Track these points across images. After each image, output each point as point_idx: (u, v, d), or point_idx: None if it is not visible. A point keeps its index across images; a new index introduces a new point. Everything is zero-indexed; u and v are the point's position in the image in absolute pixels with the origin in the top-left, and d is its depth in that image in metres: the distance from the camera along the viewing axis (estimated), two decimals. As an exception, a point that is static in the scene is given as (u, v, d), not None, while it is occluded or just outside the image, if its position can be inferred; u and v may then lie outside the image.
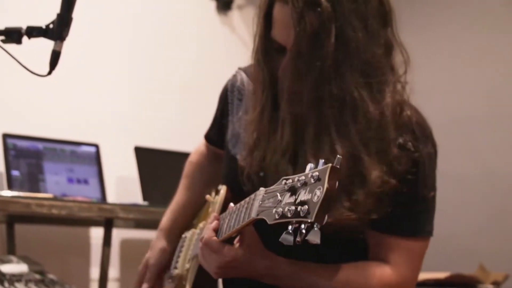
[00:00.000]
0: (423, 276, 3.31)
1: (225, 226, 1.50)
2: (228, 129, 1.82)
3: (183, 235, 1.94)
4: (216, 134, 1.92)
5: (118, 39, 3.96)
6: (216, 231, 1.53)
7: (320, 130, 1.53)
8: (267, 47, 1.61)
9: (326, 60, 1.50)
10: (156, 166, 3.66)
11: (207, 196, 1.88)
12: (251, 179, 1.63)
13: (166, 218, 2.00)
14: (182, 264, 1.84)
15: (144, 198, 3.55)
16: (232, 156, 1.77)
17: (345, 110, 1.53)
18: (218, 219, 1.55)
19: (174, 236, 1.96)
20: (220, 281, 1.78)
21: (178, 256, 1.89)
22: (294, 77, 1.53)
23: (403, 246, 1.60)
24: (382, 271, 1.58)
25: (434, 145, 1.66)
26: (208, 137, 2.00)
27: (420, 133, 1.60)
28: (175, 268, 1.87)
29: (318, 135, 1.53)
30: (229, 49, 4.32)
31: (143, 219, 3.15)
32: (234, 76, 1.87)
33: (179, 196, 2.02)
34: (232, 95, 1.84)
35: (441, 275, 3.28)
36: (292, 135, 1.56)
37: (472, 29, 4.41)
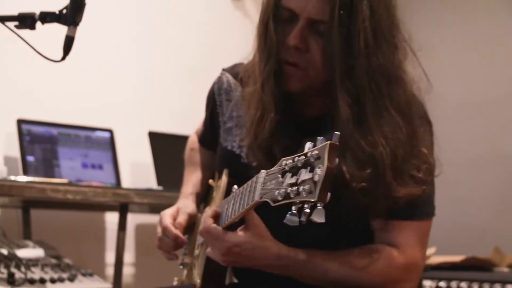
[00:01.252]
0: (438, 259, 3.30)
1: (230, 210, 1.49)
2: (220, 129, 1.82)
3: None
4: (210, 137, 1.93)
5: (132, 24, 3.96)
6: (214, 217, 1.52)
7: (378, 104, 1.51)
8: (276, 15, 1.59)
9: (367, 32, 1.49)
10: (170, 151, 3.65)
11: (210, 181, 1.88)
12: (256, 153, 1.62)
13: (185, 189, 1.96)
14: (191, 249, 1.84)
15: (159, 183, 3.56)
16: (225, 148, 1.77)
17: (392, 83, 1.53)
18: (215, 207, 1.54)
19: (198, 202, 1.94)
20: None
21: (188, 243, 1.89)
22: (341, 47, 1.50)
23: (408, 228, 1.60)
24: (389, 253, 1.58)
25: (429, 126, 1.66)
26: (202, 141, 2.02)
27: (415, 114, 1.59)
28: (185, 254, 1.87)
29: (377, 108, 1.51)
30: (242, 34, 4.29)
31: (157, 204, 3.16)
32: (220, 78, 1.86)
33: (195, 174, 2.00)
34: (220, 98, 1.83)
35: (456, 258, 3.28)
36: (352, 111, 1.52)
37: (485, 13, 4.37)
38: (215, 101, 1.85)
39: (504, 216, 4.09)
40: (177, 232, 1.76)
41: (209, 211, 1.55)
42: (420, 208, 1.61)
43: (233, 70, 1.84)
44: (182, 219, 1.80)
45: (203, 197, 1.97)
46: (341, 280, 1.56)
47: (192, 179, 1.99)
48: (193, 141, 2.08)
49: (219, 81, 1.85)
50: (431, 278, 3.11)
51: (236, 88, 1.79)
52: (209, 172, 1.97)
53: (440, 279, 3.08)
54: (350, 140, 1.48)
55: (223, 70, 1.87)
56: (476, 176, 4.22)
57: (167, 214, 1.82)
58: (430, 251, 3.35)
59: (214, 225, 1.51)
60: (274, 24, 1.58)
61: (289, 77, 1.60)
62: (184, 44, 4.15)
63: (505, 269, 3.26)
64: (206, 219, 1.53)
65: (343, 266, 1.55)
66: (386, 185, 1.50)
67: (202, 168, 2.01)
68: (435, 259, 3.32)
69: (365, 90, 1.51)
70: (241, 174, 1.59)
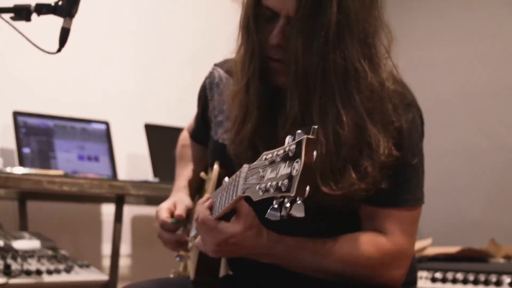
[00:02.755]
0: (434, 250, 3.31)
1: (217, 203, 1.50)
2: (211, 123, 1.83)
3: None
4: (202, 133, 1.93)
5: (127, 15, 3.95)
6: (211, 208, 1.53)
7: (326, 101, 1.53)
8: (257, 14, 1.60)
9: (329, 29, 1.50)
10: (166, 143, 3.65)
11: (202, 174, 1.89)
12: (239, 151, 1.63)
13: (178, 182, 1.96)
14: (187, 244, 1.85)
15: (155, 175, 3.56)
16: (216, 141, 1.78)
17: (349, 80, 1.53)
18: (210, 198, 1.54)
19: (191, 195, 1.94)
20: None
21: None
22: (300, 45, 1.52)
23: (395, 216, 1.60)
24: (377, 240, 1.58)
25: (417, 112, 1.65)
26: (194, 137, 2.02)
27: (399, 101, 1.59)
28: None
29: (324, 106, 1.53)
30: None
31: (154, 196, 3.16)
32: (211, 73, 1.87)
33: (187, 168, 2.01)
34: (212, 92, 1.84)
35: (452, 249, 3.29)
36: (300, 106, 1.55)
37: (482, 4, 4.37)
38: (206, 96, 1.85)
39: (500, 207, 4.10)
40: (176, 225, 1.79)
41: (204, 201, 1.55)
42: (407, 195, 1.61)
43: (225, 65, 1.85)
44: (181, 210, 1.80)
45: (197, 190, 1.97)
46: (330, 268, 1.56)
47: (184, 173, 2.00)
48: (184, 137, 2.09)
49: (210, 75, 1.87)
50: (427, 269, 3.12)
51: (228, 82, 1.80)
52: (201, 166, 1.98)
53: (436, 270, 3.09)
54: None
55: (215, 65, 1.88)
56: (473, 167, 4.23)
57: (163, 209, 1.82)
58: (426, 242, 3.36)
59: (211, 216, 1.51)
60: (255, 23, 1.60)
61: (275, 72, 1.61)
62: (180, 36, 4.14)
63: (501, 260, 3.27)
64: (202, 210, 1.53)
65: (332, 254, 1.55)
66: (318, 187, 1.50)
67: (194, 162, 2.01)
68: (431, 250, 3.33)
69: (315, 88, 1.53)
70: (232, 167, 1.60)
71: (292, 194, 1.07)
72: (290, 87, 1.56)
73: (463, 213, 4.17)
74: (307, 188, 1.08)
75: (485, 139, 4.21)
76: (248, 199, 1.31)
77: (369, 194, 1.54)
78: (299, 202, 1.09)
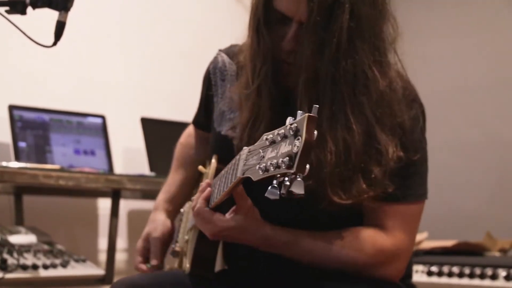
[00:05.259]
0: (430, 244, 3.32)
1: (215, 191, 1.51)
2: (214, 110, 1.83)
3: (181, 209, 1.95)
4: (203, 118, 1.93)
5: (123, 9, 3.94)
6: (208, 199, 1.54)
7: (336, 108, 1.53)
8: (269, 17, 1.59)
9: (341, 36, 1.50)
10: (163, 137, 3.65)
11: (200, 167, 1.89)
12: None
13: (161, 197, 1.98)
14: (182, 237, 1.85)
15: (151, 169, 3.56)
16: (218, 133, 1.77)
17: (358, 86, 1.54)
18: (209, 186, 1.55)
19: (174, 212, 1.96)
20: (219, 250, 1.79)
21: (178, 231, 1.90)
22: (311, 53, 1.52)
23: (397, 211, 1.60)
24: (377, 236, 1.58)
25: (420, 108, 1.65)
26: (196, 122, 2.02)
27: (403, 97, 1.60)
28: (176, 242, 1.88)
29: (334, 113, 1.53)
30: (235, 18, 4.29)
31: (150, 190, 3.16)
32: (215, 58, 1.87)
33: (173, 176, 2.02)
34: (215, 77, 1.84)
35: (448, 243, 3.29)
36: (309, 112, 1.55)
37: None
38: (210, 81, 1.85)
39: (496, 201, 4.10)
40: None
41: (202, 189, 1.55)
42: (410, 190, 1.61)
43: (229, 50, 1.85)
44: (154, 261, 1.86)
45: (183, 199, 1.98)
46: (328, 260, 1.56)
47: (169, 182, 2.01)
48: (186, 134, 2.08)
49: (214, 60, 1.87)
50: (423, 263, 3.12)
51: (231, 67, 1.80)
52: (193, 167, 1.97)
53: (432, 264, 3.10)
54: None
55: (220, 50, 1.88)
56: (469, 161, 4.23)
57: (139, 250, 1.91)
58: (422, 236, 3.37)
59: (206, 208, 1.52)
60: (266, 26, 1.60)
61: (286, 74, 1.61)
62: (177, 29, 4.14)
63: (497, 254, 3.27)
64: (199, 200, 1.54)
65: (330, 247, 1.56)
66: (326, 193, 1.51)
67: (183, 167, 2.01)
68: (427, 244, 3.33)
69: (325, 95, 1.53)
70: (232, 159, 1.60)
71: (292, 171, 1.08)
72: (300, 93, 1.56)
73: (459, 206, 4.18)
74: (307, 166, 1.08)
75: (481, 133, 4.22)
76: (247, 186, 1.30)
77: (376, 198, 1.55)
78: (299, 179, 1.10)
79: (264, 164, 1.16)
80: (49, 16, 1.83)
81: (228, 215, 1.51)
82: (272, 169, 1.13)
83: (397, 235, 1.59)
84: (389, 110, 1.56)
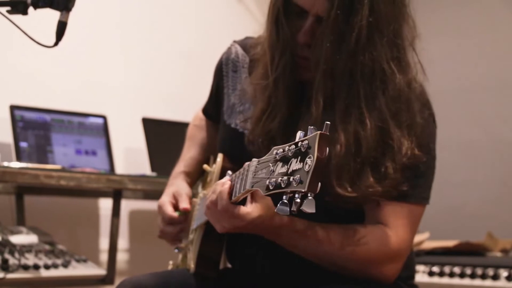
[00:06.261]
0: (432, 244, 3.32)
1: None
2: (224, 102, 1.82)
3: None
4: (213, 108, 1.93)
5: (123, 9, 3.94)
6: (230, 194, 1.49)
7: (350, 102, 1.53)
8: (287, 9, 1.60)
9: (360, 31, 1.51)
10: (164, 137, 3.66)
11: (205, 166, 1.88)
12: (258, 143, 1.63)
13: (180, 168, 1.95)
14: (186, 234, 1.84)
15: (152, 169, 3.56)
16: (228, 126, 1.77)
17: (375, 81, 1.54)
18: (231, 181, 1.49)
19: (190, 186, 1.91)
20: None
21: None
22: (330, 47, 1.52)
23: (402, 210, 1.60)
24: (383, 232, 1.58)
25: (430, 113, 1.66)
26: (206, 111, 2.01)
27: (417, 98, 1.61)
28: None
29: (348, 107, 1.53)
30: (237, 18, 4.30)
31: (151, 190, 3.16)
32: (229, 49, 1.87)
33: (190, 152, 1.99)
34: (227, 68, 1.84)
35: (449, 243, 3.29)
36: (324, 105, 1.55)
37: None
38: (221, 72, 1.86)
39: (497, 201, 4.10)
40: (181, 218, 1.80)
41: (222, 184, 1.48)
42: (415, 191, 1.60)
43: (244, 42, 1.85)
44: (186, 204, 1.80)
45: (197, 179, 1.96)
46: (333, 254, 1.55)
47: (185, 158, 1.99)
48: (198, 117, 2.07)
49: (228, 51, 1.87)
50: (425, 263, 3.12)
51: (244, 59, 1.81)
52: (207, 151, 1.97)
53: (433, 264, 3.10)
54: None
55: (234, 41, 1.88)
56: (470, 161, 4.23)
57: (166, 203, 1.82)
58: (423, 236, 3.37)
59: (232, 204, 1.46)
60: (285, 18, 1.60)
61: (303, 68, 1.62)
62: (178, 30, 4.13)
63: (498, 254, 3.27)
64: (223, 195, 1.47)
65: (339, 239, 1.55)
66: (331, 184, 1.50)
67: (199, 147, 2.00)
68: (429, 244, 3.33)
69: (341, 89, 1.54)
70: (243, 153, 1.60)
71: (304, 190, 1.08)
72: (315, 87, 1.56)
73: (460, 207, 4.18)
74: (319, 184, 1.08)
75: (483, 133, 4.21)
76: None
77: (385, 196, 1.54)
78: (310, 198, 1.09)
79: (274, 180, 1.16)
80: (51, 16, 1.83)
81: (249, 207, 1.46)
82: (283, 186, 1.13)
83: (400, 234, 1.59)
84: (405, 107, 1.57)
